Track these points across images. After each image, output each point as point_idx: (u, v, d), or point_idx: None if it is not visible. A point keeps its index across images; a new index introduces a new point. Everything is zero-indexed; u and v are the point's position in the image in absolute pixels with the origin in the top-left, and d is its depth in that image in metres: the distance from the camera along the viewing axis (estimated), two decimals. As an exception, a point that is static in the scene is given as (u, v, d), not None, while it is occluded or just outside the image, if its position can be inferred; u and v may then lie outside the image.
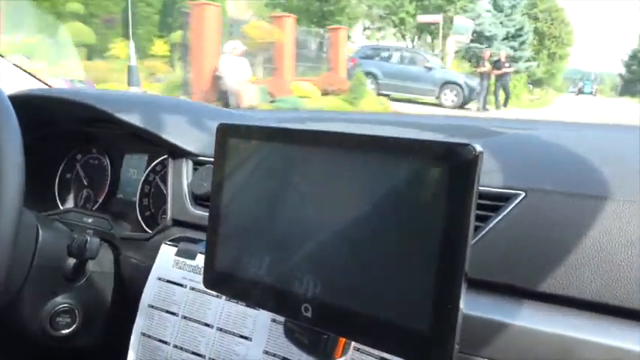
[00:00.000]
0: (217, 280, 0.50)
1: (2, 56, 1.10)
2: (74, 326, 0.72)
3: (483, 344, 0.48)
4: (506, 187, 0.55)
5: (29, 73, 1.14)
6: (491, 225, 0.53)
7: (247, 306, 0.59)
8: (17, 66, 1.11)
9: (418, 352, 0.38)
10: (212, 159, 0.75)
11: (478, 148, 0.36)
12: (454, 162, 0.36)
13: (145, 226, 0.87)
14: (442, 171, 0.37)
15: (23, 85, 1.10)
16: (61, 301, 0.72)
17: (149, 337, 0.64)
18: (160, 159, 0.88)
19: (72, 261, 0.72)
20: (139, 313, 0.66)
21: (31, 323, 0.71)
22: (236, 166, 0.49)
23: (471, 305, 0.47)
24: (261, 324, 0.58)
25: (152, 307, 0.65)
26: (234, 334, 0.59)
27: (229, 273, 0.49)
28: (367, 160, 0.40)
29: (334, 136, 0.42)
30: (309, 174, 0.44)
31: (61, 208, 0.97)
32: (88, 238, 0.67)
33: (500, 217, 0.53)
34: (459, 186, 0.36)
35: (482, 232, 0.52)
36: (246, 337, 0.59)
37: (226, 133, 0.49)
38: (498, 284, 0.51)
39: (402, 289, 0.39)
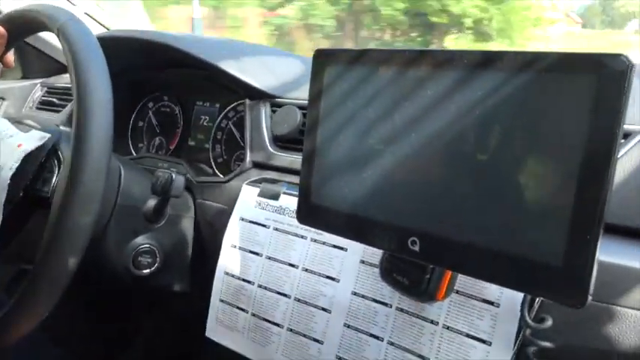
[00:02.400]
0: (313, 215, 0.48)
1: (74, 5, 1.10)
2: (155, 266, 0.73)
3: (605, 289, 0.44)
4: (627, 123, 0.49)
5: (100, 23, 1.15)
6: (609, 163, 0.48)
7: (334, 247, 0.58)
8: (89, 15, 1.12)
9: (549, 288, 0.35)
10: (290, 100, 0.73)
11: (632, 58, 0.32)
12: (604, 73, 0.32)
13: (218, 172, 0.86)
14: (589, 84, 0.32)
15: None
16: (142, 241, 0.73)
17: (232, 276, 0.64)
18: (233, 105, 0.87)
19: (152, 202, 0.72)
20: (221, 252, 0.65)
21: (115, 262, 0.72)
22: (333, 94, 0.46)
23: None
24: (349, 265, 0.56)
25: (235, 247, 0.65)
26: (320, 274, 0.58)
27: (326, 207, 0.46)
28: (499, 78, 0.36)
29: (455, 54, 0.38)
30: (422, 98, 0.40)
31: (135, 155, 0.98)
32: (174, 176, 0.67)
33: (620, 154, 0.48)
34: (607, 101, 0.32)
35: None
36: (333, 278, 0.57)
37: (323, 58, 0.46)
38: (619, 227, 0.46)
39: (531, 220, 0.35)
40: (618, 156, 0.48)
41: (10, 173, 0.56)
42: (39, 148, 0.60)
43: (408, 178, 0.41)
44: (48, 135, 0.61)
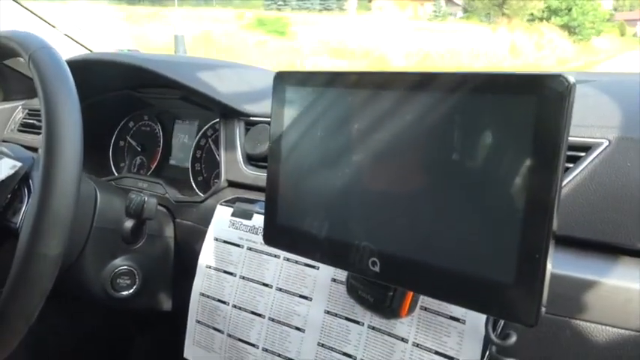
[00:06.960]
0: (279, 236, 0.48)
1: (54, 26, 1.11)
2: (134, 287, 0.73)
3: (566, 303, 0.44)
4: (587, 136, 0.50)
5: (81, 44, 1.16)
6: (571, 177, 0.48)
7: (306, 266, 0.58)
8: (68, 36, 1.12)
9: (501, 306, 0.35)
10: (263, 119, 0.73)
11: (571, 78, 0.32)
12: (544, 94, 0.32)
13: (197, 191, 0.87)
14: (530, 105, 0.33)
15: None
16: (121, 263, 0.73)
17: (208, 297, 0.64)
18: (210, 123, 0.87)
19: (129, 224, 0.72)
20: (197, 273, 0.66)
21: (93, 285, 0.72)
22: (295, 115, 0.46)
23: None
24: (321, 284, 0.56)
25: (210, 267, 0.65)
26: (293, 294, 0.58)
27: (291, 228, 0.47)
28: (442, 99, 0.37)
29: (405, 76, 0.39)
30: (376, 120, 0.40)
31: (116, 175, 0.98)
32: (146, 198, 0.67)
33: (581, 168, 0.48)
34: (549, 121, 0.32)
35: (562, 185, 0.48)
36: (306, 297, 0.57)
37: (284, 80, 0.47)
38: (579, 240, 0.46)
39: (482, 238, 0.35)
40: (579, 169, 0.48)
41: None
42: (10, 177, 0.60)
43: (366, 198, 0.41)
44: (19, 164, 0.61)
